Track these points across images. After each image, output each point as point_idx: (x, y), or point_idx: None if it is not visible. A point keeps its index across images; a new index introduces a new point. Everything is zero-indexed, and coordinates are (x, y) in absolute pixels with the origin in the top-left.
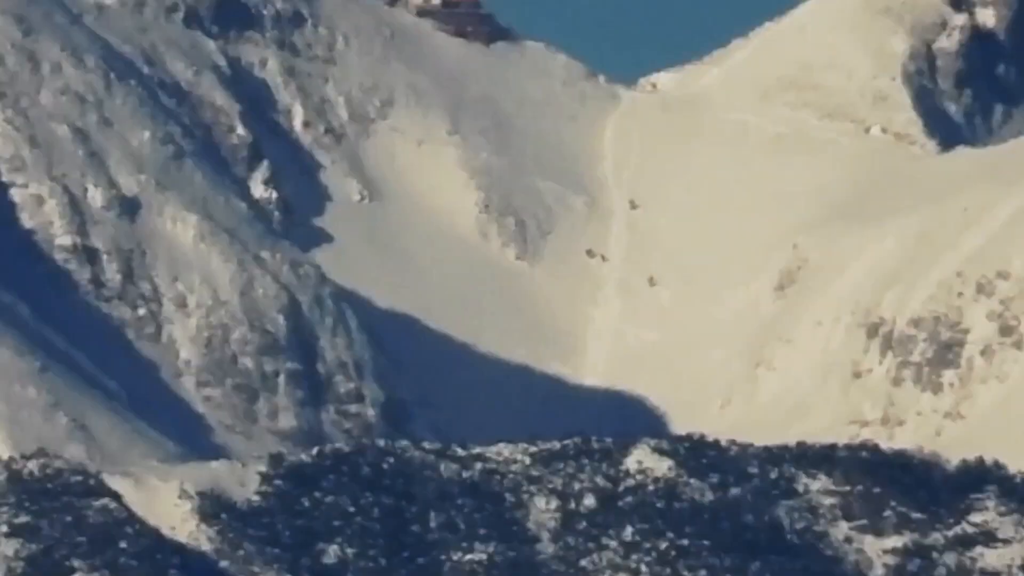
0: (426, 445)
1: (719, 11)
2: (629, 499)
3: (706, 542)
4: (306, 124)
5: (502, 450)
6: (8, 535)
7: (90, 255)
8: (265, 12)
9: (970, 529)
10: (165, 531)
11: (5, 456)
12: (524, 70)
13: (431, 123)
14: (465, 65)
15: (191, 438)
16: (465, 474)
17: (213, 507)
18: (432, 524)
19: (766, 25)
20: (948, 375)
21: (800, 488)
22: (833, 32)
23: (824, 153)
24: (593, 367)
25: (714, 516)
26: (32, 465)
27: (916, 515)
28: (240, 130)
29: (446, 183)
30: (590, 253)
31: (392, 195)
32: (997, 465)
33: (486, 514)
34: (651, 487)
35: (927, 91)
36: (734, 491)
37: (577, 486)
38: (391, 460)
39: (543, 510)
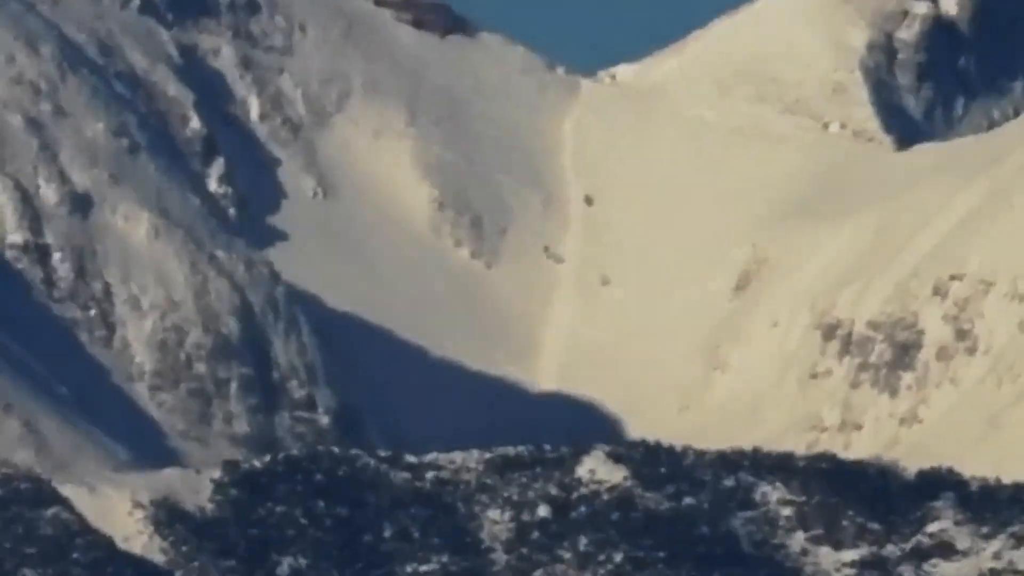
0: (379, 453)
1: (679, 2)
2: (583, 509)
3: (661, 553)
4: (262, 116)
5: (455, 458)
6: None
7: (41, 254)
8: (220, 0)
9: (927, 541)
10: (118, 541)
11: None
12: (481, 61)
13: (388, 115)
14: (422, 56)
15: (144, 444)
16: (418, 483)
17: (167, 516)
18: (385, 534)
19: (725, 16)
20: (905, 378)
21: (757, 498)
22: (791, 23)
23: (783, 148)
24: (548, 370)
25: (670, 526)
26: None
27: (873, 525)
28: (195, 122)
29: (401, 178)
30: (547, 251)
31: (347, 190)
32: (952, 472)
33: (439, 524)
34: (605, 496)
35: (886, 85)
36: (689, 500)
37: (531, 495)
38: (344, 468)
39: (496, 521)
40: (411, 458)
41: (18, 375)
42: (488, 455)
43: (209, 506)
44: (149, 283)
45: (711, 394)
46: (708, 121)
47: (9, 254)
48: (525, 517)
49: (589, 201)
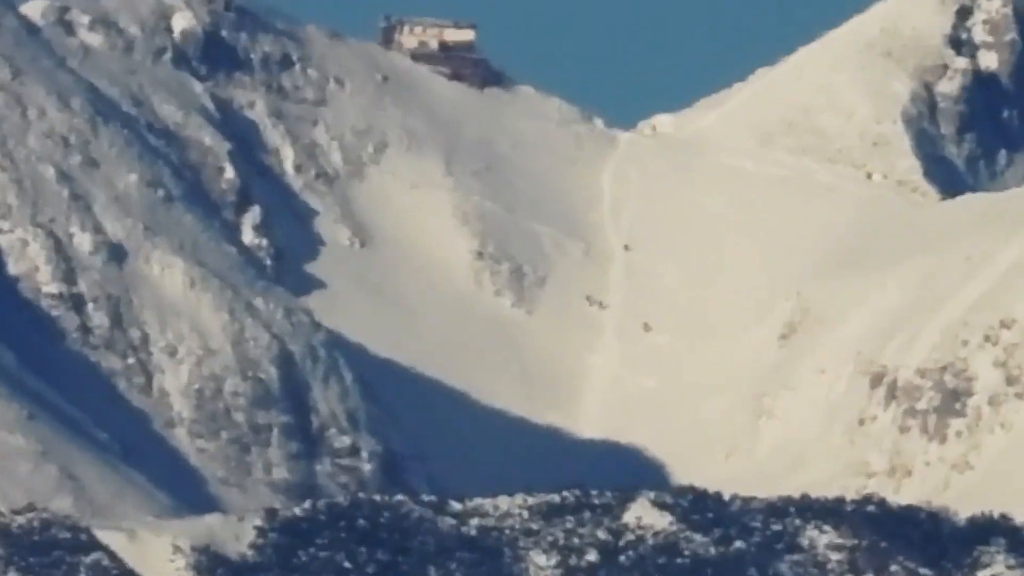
0: (423, 498)
1: (720, 54)
2: (630, 553)
3: None
4: (297, 167)
5: (500, 503)
6: None
7: (77, 302)
8: (253, 55)
9: None
10: None
11: None
12: (518, 114)
13: (425, 167)
14: (459, 108)
15: (184, 490)
16: (463, 528)
17: (208, 562)
18: None
19: (766, 68)
20: (955, 424)
21: (805, 543)
22: (833, 75)
23: (826, 198)
24: (591, 416)
25: (716, 571)
26: (21, 519)
27: (924, 571)
28: (229, 173)
29: (440, 228)
30: (589, 300)
31: (385, 240)
32: (1005, 518)
33: (484, 569)
34: (651, 541)
35: (928, 136)
36: (737, 545)
37: (577, 540)
38: (387, 514)
39: (542, 566)
40: (455, 504)
41: (56, 422)
42: (533, 501)
43: (250, 552)
44: (185, 331)
45: (757, 441)
46: (749, 171)
47: (45, 303)
48: (572, 562)
49: (627, 248)
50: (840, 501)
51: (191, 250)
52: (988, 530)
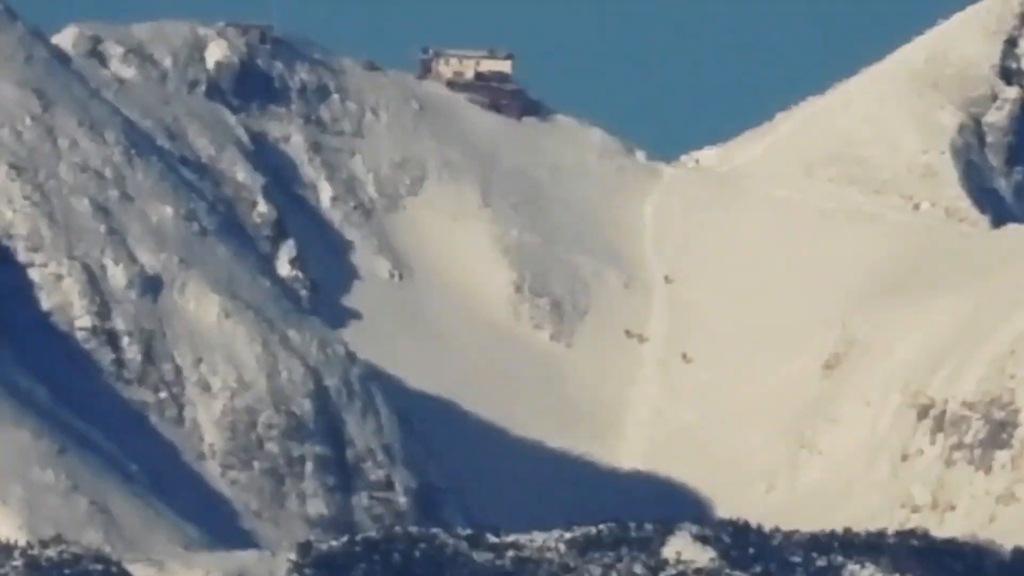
0: (459, 532)
1: (764, 85)
2: None
3: None
4: (334, 200)
5: (536, 537)
6: None
7: (110, 337)
8: (290, 85)
9: None
10: None
11: (22, 542)
12: (558, 144)
13: (463, 198)
14: (497, 138)
15: (216, 524)
16: (499, 562)
17: None
18: None
19: (810, 99)
20: (1000, 456)
21: None
22: (880, 106)
23: (871, 228)
24: (631, 450)
25: None
26: (51, 552)
27: None
28: (263, 206)
29: (478, 260)
30: (628, 333)
31: (423, 273)
32: None
33: None
34: None
35: (976, 166)
36: None
37: (615, 575)
38: (423, 547)
39: None
40: (492, 538)
41: (88, 454)
42: (570, 535)
43: None
44: (219, 364)
45: (800, 475)
46: (793, 202)
47: (79, 336)
48: None
49: (668, 279)
50: (882, 535)
51: (226, 283)
52: None
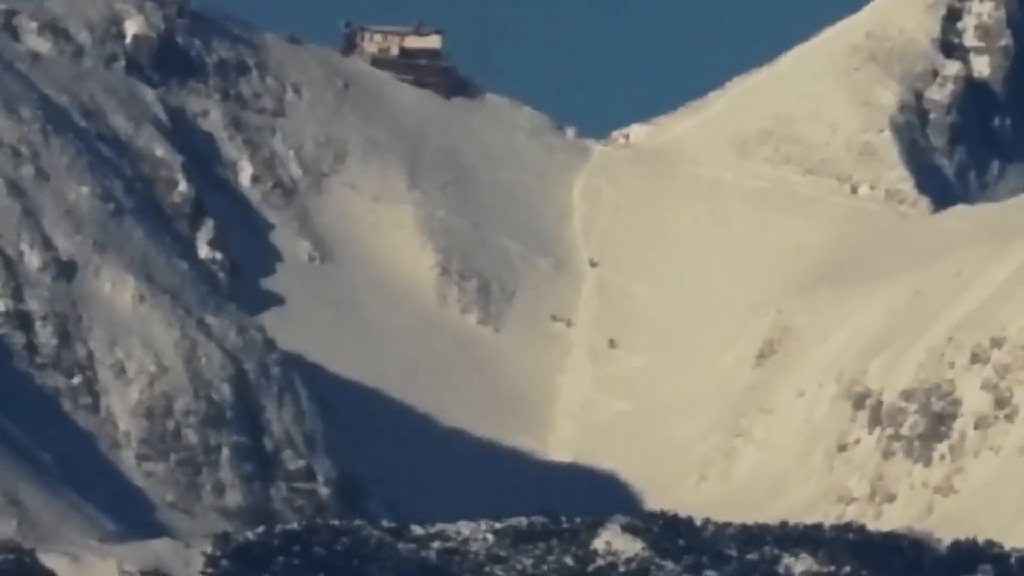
0: (382, 524)
1: (697, 60)
2: None
3: None
4: (254, 179)
5: (463, 529)
6: None
7: (23, 320)
8: (208, 60)
9: None
10: None
11: None
12: (487, 123)
13: (388, 178)
14: (424, 117)
15: (131, 515)
16: (423, 554)
17: None
18: None
19: (744, 75)
20: (940, 448)
21: (781, 570)
22: (816, 82)
23: (807, 211)
24: (561, 440)
25: None
26: None
27: None
28: (183, 186)
29: (403, 243)
30: (555, 317)
31: (346, 256)
32: (991, 544)
33: None
34: (622, 568)
35: (918, 146)
36: (710, 573)
37: (545, 567)
38: (345, 540)
39: None
40: (416, 529)
41: None
42: (499, 526)
43: None
44: (136, 349)
45: (733, 466)
46: (727, 183)
47: None
48: None
49: (593, 263)
50: (818, 528)
51: (142, 266)
52: (974, 557)
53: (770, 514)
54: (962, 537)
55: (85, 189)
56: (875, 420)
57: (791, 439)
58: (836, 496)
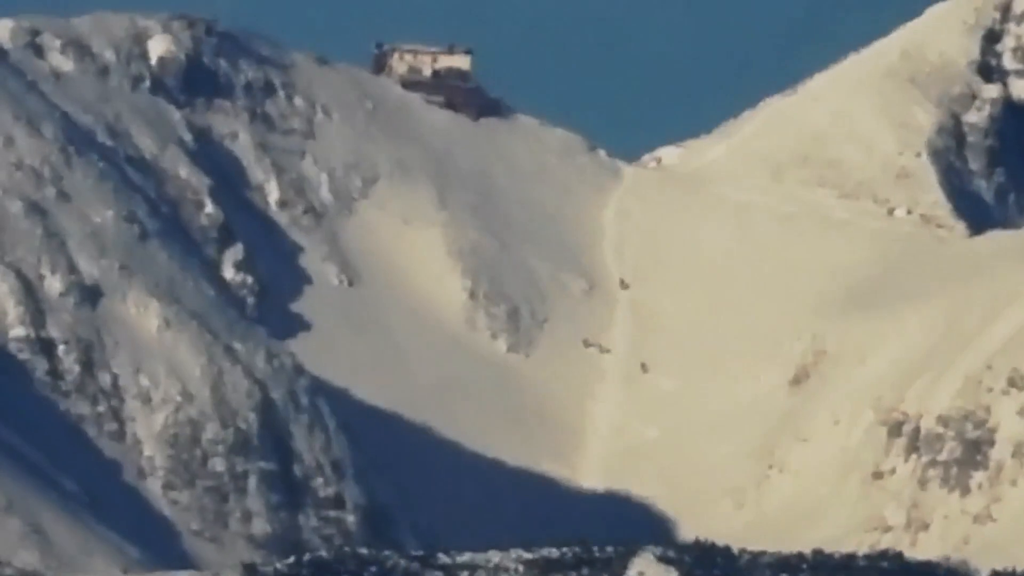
0: (410, 552)
1: (730, 81)
2: None
3: None
4: (282, 203)
5: (492, 558)
6: None
7: (46, 346)
8: (236, 80)
9: None
10: None
11: None
12: (517, 144)
13: (417, 201)
14: (454, 139)
15: (156, 544)
16: None
17: None
18: None
19: (778, 96)
20: (977, 476)
21: None
22: (851, 103)
23: (842, 235)
24: (592, 467)
25: None
26: None
27: None
28: (209, 208)
29: (432, 266)
30: (586, 343)
31: (374, 279)
32: None
33: None
34: None
35: (955, 169)
36: None
37: None
38: (373, 569)
39: None
40: (445, 558)
41: (21, 472)
42: (529, 555)
43: None
44: (161, 376)
45: (767, 494)
46: (760, 206)
47: (12, 347)
48: None
49: (624, 284)
50: (853, 556)
51: (168, 290)
52: None
53: (805, 543)
54: (1000, 567)
55: (110, 212)
56: (911, 447)
57: (826, 466)
58: (872, 525)
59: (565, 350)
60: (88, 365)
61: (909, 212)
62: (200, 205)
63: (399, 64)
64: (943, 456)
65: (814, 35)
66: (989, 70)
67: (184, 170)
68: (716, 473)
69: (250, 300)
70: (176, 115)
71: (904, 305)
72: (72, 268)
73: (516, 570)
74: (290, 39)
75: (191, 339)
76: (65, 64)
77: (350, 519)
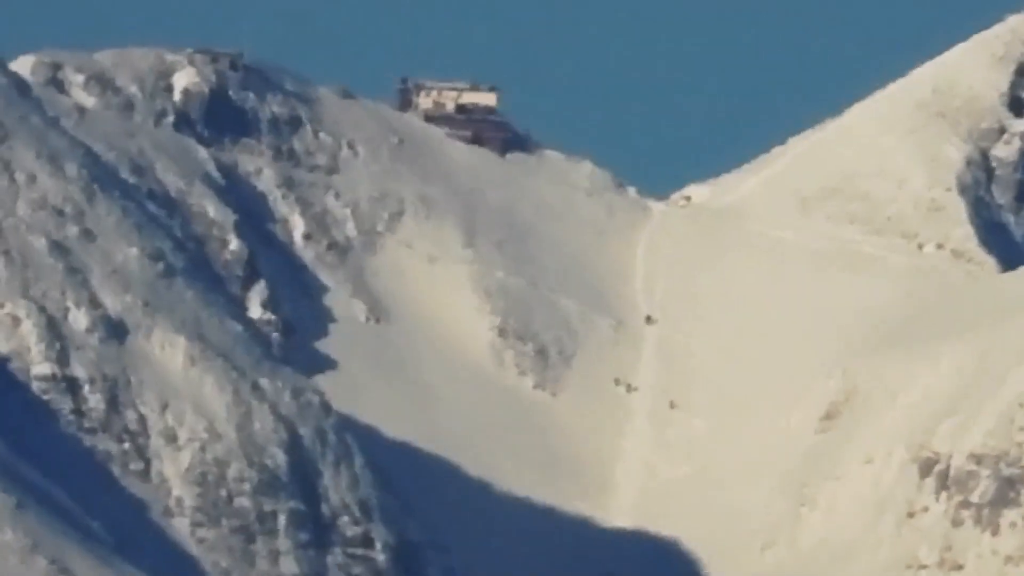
0: None
1: (759, 117)
2: None
3: None
4: (307, 238)
5: None
6: None
7: (71, 384)
8: (260, 116)
9: None
10: None
11: None
12: (544, 181)
13: (443, 237)
14: (480, 174)
15: None
16: None
17: None
18: None
19: (807, 132)
20: (1009, 515)
21: None
22: (880, 139)
23: (872, 270)
24: (622, 506)
25: None
26: None
27: None
28: (234, 245)
29: (459, 303)
30: (617, 382)
31: (401, 316)
32: None
33: None
34: None
35: (985, 203)
36: None
37: None
38: None
39: None
40: None
41: (47, 512)
42: None
43: None
44: (187, 414)
45: (798, 534)
46: (789, 242)
47: (36, 385)
48: None
49: (650, 320)
50: None
51: (193, 327)
52: None
53: None
54: None
55: (134, 250)
56: (943, 486)
57: (858, 505)
58: (904, 564)
59: (593, 388)
60: (113, 403)
61: (939, 247)
62: (225, 242)
63: (424, 100)
64: (975, 496)
65: (843, 69)
66: (1019, 104)
67: (208, 206)
68: (747, 512)
69: (276, 337)
70: (200, 150)
71: (936, 343)
72: (97, 305)
73: None
74: (315, 74)
75: (217, 377)
76: (88, 99)
77: (379, 558)
